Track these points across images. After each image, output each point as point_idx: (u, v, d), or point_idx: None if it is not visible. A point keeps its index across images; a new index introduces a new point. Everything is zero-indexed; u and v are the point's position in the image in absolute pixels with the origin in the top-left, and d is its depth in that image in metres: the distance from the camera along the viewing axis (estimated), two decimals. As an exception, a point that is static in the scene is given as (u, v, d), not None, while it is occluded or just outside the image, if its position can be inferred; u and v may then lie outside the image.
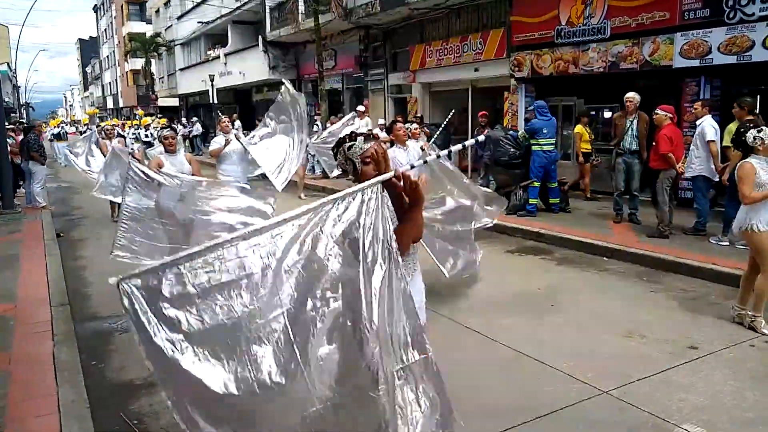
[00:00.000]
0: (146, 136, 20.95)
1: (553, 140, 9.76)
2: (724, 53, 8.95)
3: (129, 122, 28.92)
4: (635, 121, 8.55)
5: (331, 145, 2.82)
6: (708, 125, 7.55)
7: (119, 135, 23.71)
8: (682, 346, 4.58)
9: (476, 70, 14.14)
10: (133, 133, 21.66)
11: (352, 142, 2.64)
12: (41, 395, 3.73)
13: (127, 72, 52.40)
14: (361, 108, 15.53)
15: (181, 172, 6.07)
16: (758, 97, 8.86)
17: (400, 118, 8.72)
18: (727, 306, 5.46)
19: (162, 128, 7.45)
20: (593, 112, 11.68)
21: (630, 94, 8.61)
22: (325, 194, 13.21)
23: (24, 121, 27.07)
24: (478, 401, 3.73)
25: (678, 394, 3.80)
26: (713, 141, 7.44)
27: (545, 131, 9.48)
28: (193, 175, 6.47)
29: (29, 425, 3.38)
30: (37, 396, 3.73)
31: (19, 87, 47.63)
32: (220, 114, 9.82)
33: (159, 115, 28.80)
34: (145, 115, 27.89)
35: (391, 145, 5.84)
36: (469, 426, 3.48)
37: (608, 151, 10.42)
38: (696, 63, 9.38)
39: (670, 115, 7.82)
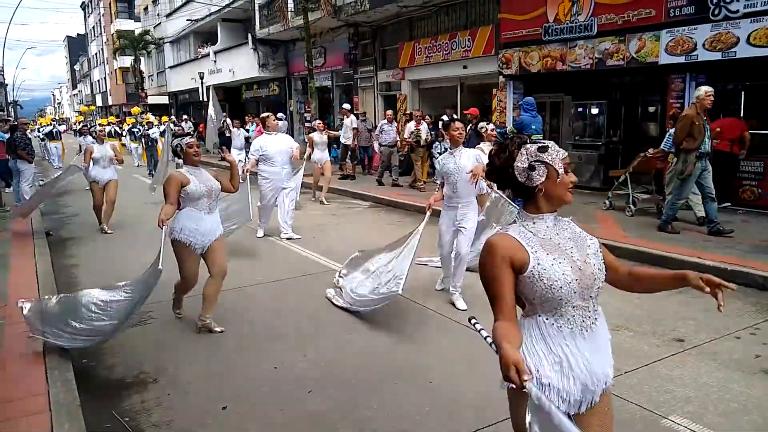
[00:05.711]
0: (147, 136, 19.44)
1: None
2: (709, 50, 9.06)
3: (128, 120, 26.31)
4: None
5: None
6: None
7: (116, 134, 22.07)
8: (669, 339, 4.66)
9: (465, 67, 14.19)
10: (147, 133, 19.06)
11: (546, 144, 1.98)
12: (32, 394, 3.71)
13: (116, 70, 52.13)
14: (346, 106, 15.52)
15: (210, 189, 4.87)
16: (742, 93, 8.96)
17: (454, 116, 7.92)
18: (712, 300, 5.53)
19: (184, 134, 5.65)
20: (580, 108, 11.76)
21: (710, 89, 7.30)
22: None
23: (12, 119, 25.94)
24: (467, 394, 3.78)
25: (665, 386, 3.86)
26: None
27: (534, 127, 9.56)
28: (223, 186, 5.08)
29: (20, 424, 3.37)
30: (27, 395, 3.71)
31: (7, 85, 47.05)
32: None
33: (148, 112, 27.92)
34: (143, 113, 26.13)
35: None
36: (457, 419, 3.53)
37: (595, 147, 10.50)
38: (681, 59, 9.48)
39: None
